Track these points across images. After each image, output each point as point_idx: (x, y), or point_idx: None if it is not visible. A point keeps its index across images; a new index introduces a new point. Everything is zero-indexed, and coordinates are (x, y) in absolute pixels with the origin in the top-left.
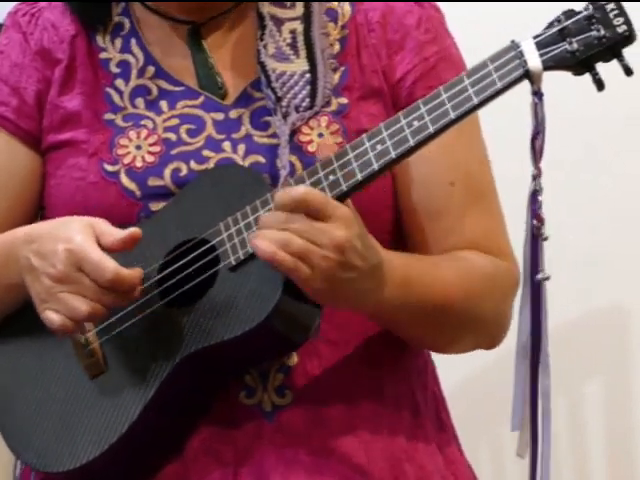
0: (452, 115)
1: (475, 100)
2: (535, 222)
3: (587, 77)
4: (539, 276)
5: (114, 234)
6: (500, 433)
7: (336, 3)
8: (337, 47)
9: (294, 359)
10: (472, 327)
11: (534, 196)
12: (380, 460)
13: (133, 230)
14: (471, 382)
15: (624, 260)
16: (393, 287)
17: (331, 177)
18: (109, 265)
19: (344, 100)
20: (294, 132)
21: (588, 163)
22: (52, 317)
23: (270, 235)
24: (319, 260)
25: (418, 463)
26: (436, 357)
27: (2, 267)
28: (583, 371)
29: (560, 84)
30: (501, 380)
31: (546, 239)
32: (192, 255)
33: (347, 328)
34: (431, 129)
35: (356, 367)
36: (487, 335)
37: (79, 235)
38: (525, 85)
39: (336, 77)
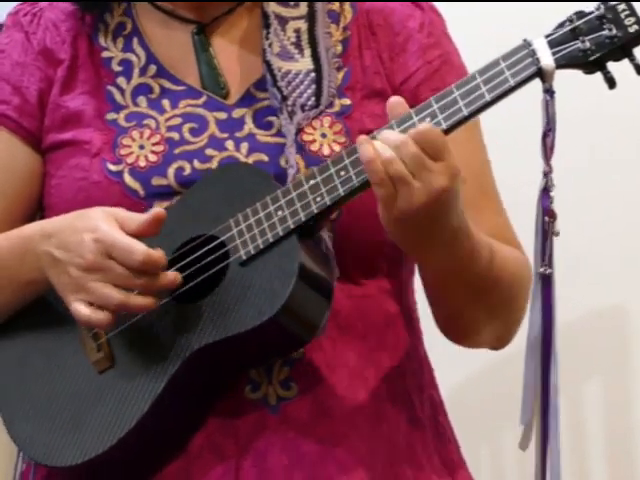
0: (465, 112)
1: (488, 97)
2: (547, 218)
3: (587, 75)
4: (541, 270)
5: (137, 219)
6: (500, 434)
7: (337, 4)
8: (339, 48)
9: (299, 352)
10: (508, 311)
11: (545, 192)
12: (381, 456)
13: (157, 211)
14: (471, 384)
15: (624, 260)
16: (462, 254)
17: (342, 173)
18: (139, 247)
19: (347, 101)
20: (298, 131)
21: (589, 163)
22: (80, 308)
23: (380, 146)
24: (409, 195)
25: (417, 464)
26: (435, 359)
27: (18, 264)
28: (583, 371)
29: (561, 83)
30: (501, 382)
31: (557, 234)
32: (202, 251)
33: (346, 329)
34: (444, 126)
35: (355, 365)
36: (510, 325)
37: (103, 223)
38: (531, 84)
39: (339, 77)
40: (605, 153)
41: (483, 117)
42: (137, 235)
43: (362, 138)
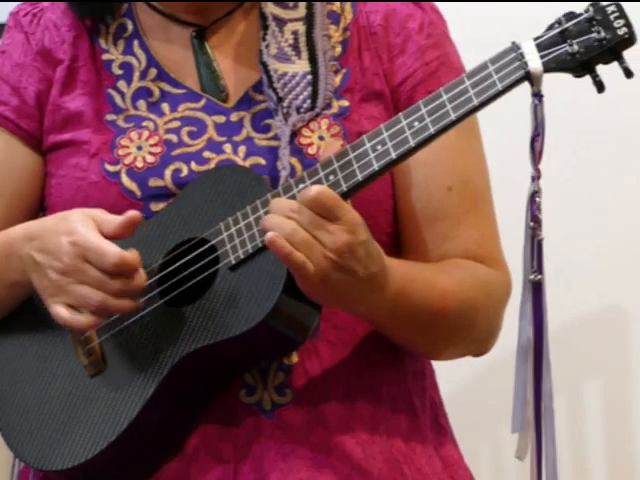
0: (453, 116)
1: (475, 101)
2: (532, 223)
3: (579, 79)
4: (531, 277)
5: (113, 221)
6: (499, 435)
7: (338, 5)
8: (339, 49)
9: (294, 358)
10: (464, 336)
11: (533, 197)
12: (378, 461)
13: (131, 213)
14: (471, 384)
15: (623, 260)
16: (389, 295)
17: (331, 177)
18: (111, 249)
19: (345, 103)
20: (295, 134)
21: (587, 164)
22: (59, 310)
23: (277, 221)
24: (318, 257)
25: (416, 465)
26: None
27: (5, 265)
28: (583, 371)
29: (555, 86)
30: (501, 382)
31: (541, 240)
32: (192, 255)
33: (346, 330)
34: (432, 130)
35: (354, 368)
36: (478, 343)
37: (81, 226)
38: (524, 86)
39: (337, 79)
40: (604, 153)
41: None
42: (114, 237)
43: (263, 223)
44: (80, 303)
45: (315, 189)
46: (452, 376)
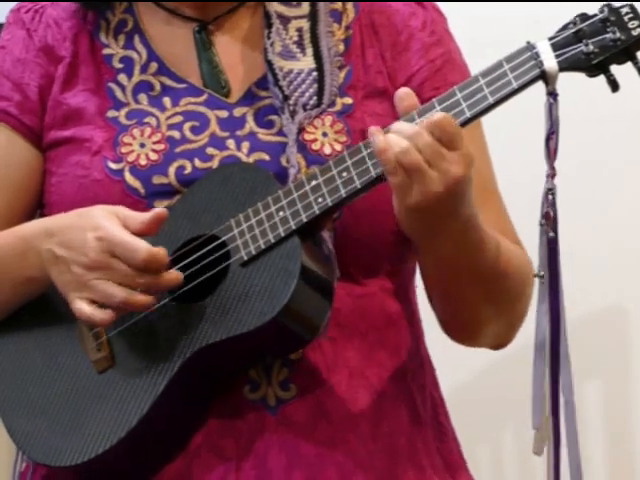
0: (468, 114)
1: (491, 99)
2: (543, 221)
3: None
4: (541, 272)
5: (139, 217)
6: (500, 435)
7: (340, 4)
8: (341, 47)
9: (298, 353)
10: (512, 308)
11: (547, 195)
12: (381, 458)
13: (159, 210)
14: (471, 383)
15: (624, 260)
16: (474, 241)
17: (345, 174)
18: (142, 246)
19: (349, 100)
20: (299, 131)
21: (589, 163)
22: (82, 306)
23: (393, 138)
24: (425, 181)
25: (417, 464)
26: (436, 359)
27: (20, 261)
28: (583, 371)
29: (565, 84)
30: (501, 382)
31: (553, 238)
32: (202, 251)
33: (348, 327)
34: None
35: (356, 364)
36: (513, 324)
37: (106, 222)
38: (534, 86)
39: (341, 76)
40: (607, 152)
41: (488, 118)
42: (139, 233)
43: (373, 129)
44: (104, 299)
45: (439, 114)
46: (452, 376)
